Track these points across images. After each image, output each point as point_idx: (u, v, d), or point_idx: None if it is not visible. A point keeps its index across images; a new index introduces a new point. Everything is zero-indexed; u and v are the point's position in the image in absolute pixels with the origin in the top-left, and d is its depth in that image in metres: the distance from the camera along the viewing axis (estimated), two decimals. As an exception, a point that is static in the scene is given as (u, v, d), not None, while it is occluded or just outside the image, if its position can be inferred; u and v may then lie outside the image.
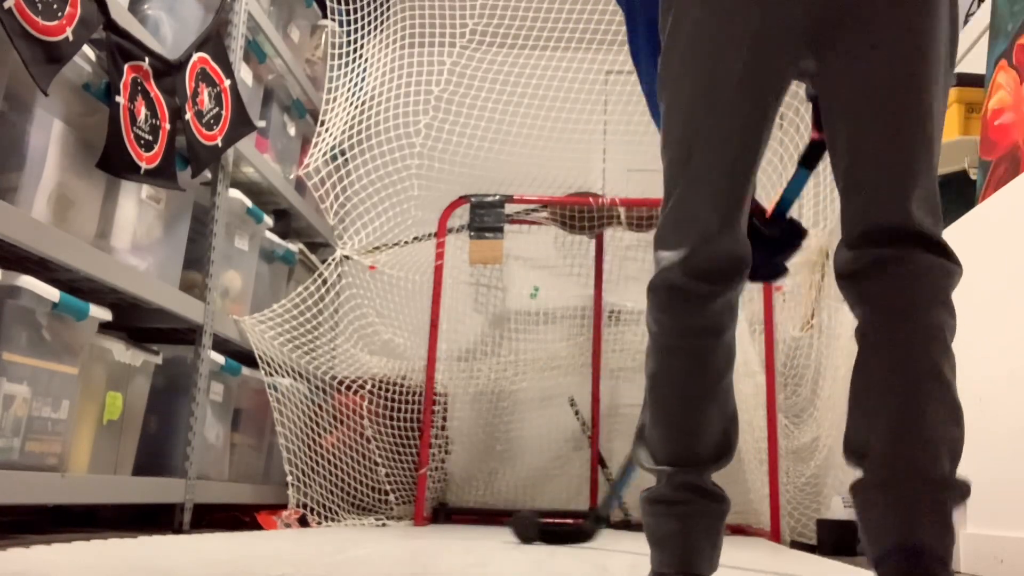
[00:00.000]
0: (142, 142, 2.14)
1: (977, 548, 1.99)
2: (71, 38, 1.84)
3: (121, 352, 2.16)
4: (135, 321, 2.34)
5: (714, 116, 1.10)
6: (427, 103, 3.70)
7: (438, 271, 3.54)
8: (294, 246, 3.31)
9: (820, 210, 3.42)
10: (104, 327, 2.06)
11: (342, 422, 3.31)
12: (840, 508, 2.99)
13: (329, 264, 3.43)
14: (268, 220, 3.00)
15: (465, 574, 1.58)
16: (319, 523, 2.98)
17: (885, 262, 1.02)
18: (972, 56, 2.76)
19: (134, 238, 2.26)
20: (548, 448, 3.93)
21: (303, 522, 2.91)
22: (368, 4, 3.62)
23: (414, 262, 3.73)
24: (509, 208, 3.60)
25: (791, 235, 1.29)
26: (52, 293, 1.81)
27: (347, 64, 3.54)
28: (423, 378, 3.47)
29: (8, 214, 1.70)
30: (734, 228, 1.10)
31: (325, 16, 3.61)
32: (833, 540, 2.84)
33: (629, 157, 4.09)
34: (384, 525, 3.12)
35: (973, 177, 2.47)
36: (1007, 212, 2.02)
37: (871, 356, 1.05)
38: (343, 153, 3.83)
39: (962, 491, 0.99)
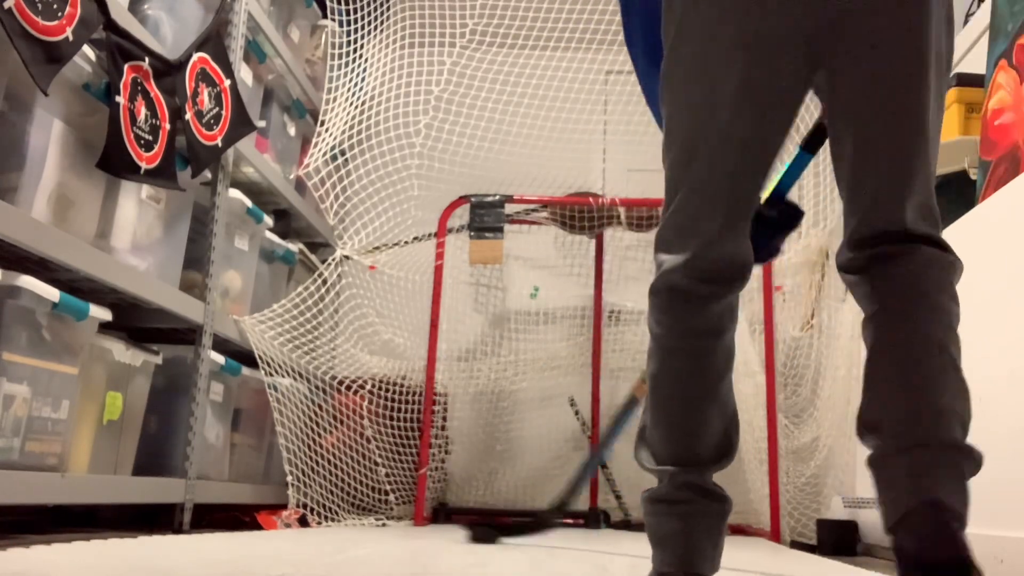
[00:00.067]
0: (142, 142, 2.14)
1: (977, 548, 1.98)
2: (71, 38, 1.84)
3: (121, 352, 2.16)
4: (135, 321, 2.34)
5: (715, 121, 1.10)
6: (427, 103, 3.70)
7: (438, 271, 3.54)
8: (294, 246, 3.31)
9: (820, 210, 3.42)
10: (104, 327, 2.06)
11: (342, 422, 3.31)
12: (840, 508, 2.99)
13: (329, 264, 3.43)
14: (268, 220, 3.00)
15: (465, 574, 1.58)
16: (319, 523, 2.98)
17: (891, 256, 1.05)
18: (972, 56, 2.75)
19: (134, 238, 2.26)
20: (548, 448, 3.93)
21: (303, 522, 2.91)
22: (368, 4, 3.62)
23: (414, 262, 3.73)
24: (509, 208, 3.60)
25: (788, 217, 1.30)
26: (52, 293, 1.81)
27: (347, 64, 3.54)
28: (423, 378, 3.47)
29: (8, 214, 1.70)
30: (736, 232, 1.11)
31: (325, 16, 3.61)
32: (833, 540, 2.83)
33: (629, 157, 4.09)
34: (384, 525, 3.12)
35: (973, 177, 2.47)
36: (1007, 212, 2.02)
37: (882, 338, 1.06)
38: (343, 153, 3.83)
39: (976, 459, 1.01)
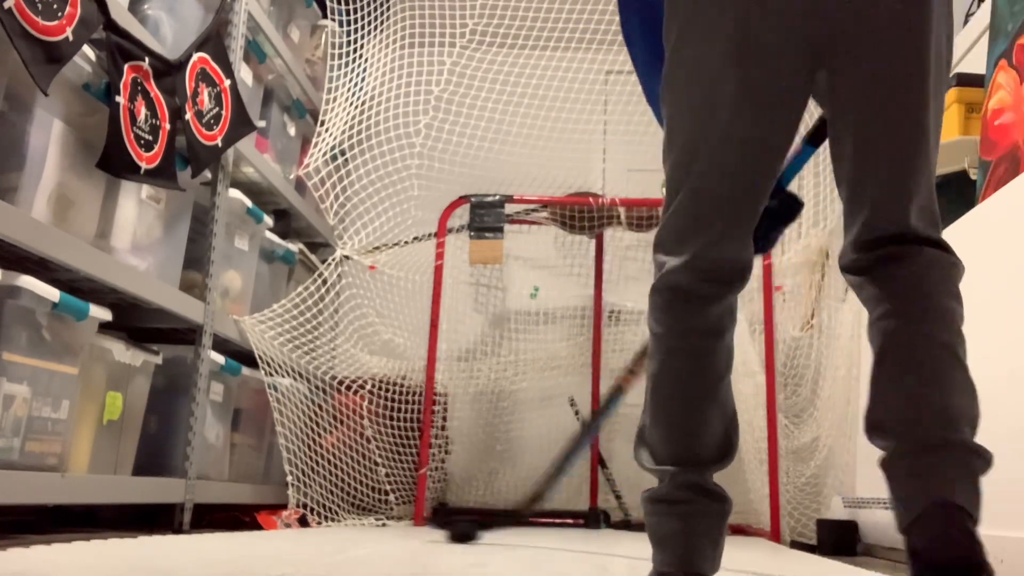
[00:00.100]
0: (142, 142, 2.14)
1: (977, 548, 1.98)
2: (71, 38, 1.84)
3: (121, 352, 2.16)
4: (135, 321, 2.34)
5: (715, 121, 1.10)
6: (427, 103, 3.70)
7: (438, 271, 3.54)
8: (294, 246, 3.31)
9: (820, 210, 3.42)
10: (104, 327, 2.06)
11: (342, 422, 3.31)
12: (840, 508, 2.99)
13: (329, 264, 3.43)
14: (268, 220, 3.00)
15: (465, 574, 1.58)
16: (319, 523, 2.98)
17: (894, 258, 1.06)
18: (972, 56, 2.75)
19: (134, 238, 2.26)
20: (548, 448, 3.91)
21: (303, 522, 2.91)
22: (368, 4, 3.62)
23: (414, 262, 3.73)
24: (509, 208, 3.60)
25: (788, 207, 1.31)
26: (52, 293, 1.81)
27: (347, 64, 3.54)
28: (423, 378, 3.47)
29: (8, 214, 1.70)
30: (737, 233, 1.11)
31: (325, 16, 3.61)
32: (833, 540, 2.83)
33: (629, 157, 4.09)
34: (384, 525, 3.12)
35: (973, 177, 2.47)
36: (1007, 212, 2.02)
37: (888, 340, 1.07)
38: (343, 153, 3.83)
39: (985, 458, 1.02)
